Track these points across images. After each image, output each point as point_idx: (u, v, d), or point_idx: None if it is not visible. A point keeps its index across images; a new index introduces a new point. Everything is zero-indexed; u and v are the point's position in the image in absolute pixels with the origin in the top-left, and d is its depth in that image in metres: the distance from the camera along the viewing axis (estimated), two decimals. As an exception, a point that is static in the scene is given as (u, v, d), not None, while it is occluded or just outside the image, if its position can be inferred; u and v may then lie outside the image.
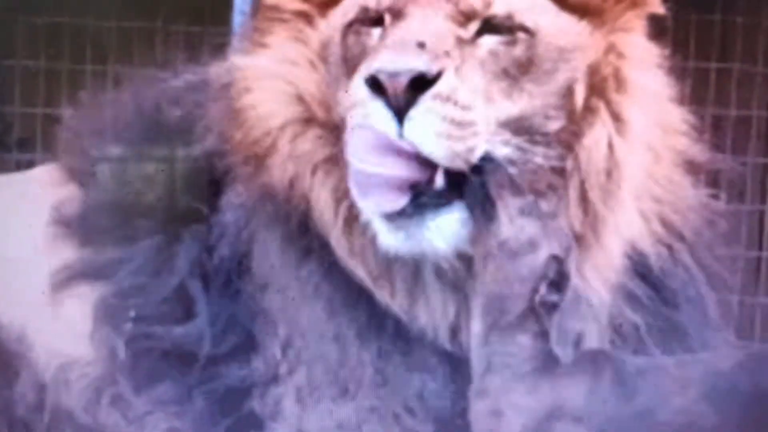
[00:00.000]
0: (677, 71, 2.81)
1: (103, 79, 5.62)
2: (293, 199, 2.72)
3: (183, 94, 3.00)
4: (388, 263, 2.67)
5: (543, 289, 2.36)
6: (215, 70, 2.98)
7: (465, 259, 2.62)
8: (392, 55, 2.48)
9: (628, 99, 2.69)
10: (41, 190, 3.06)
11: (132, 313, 2.83)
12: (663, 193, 2.77)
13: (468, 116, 2.51)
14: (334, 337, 2.72)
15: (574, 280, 2.53)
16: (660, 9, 2.76)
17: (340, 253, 2.69)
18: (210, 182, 2.84)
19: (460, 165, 2.51)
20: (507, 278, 2.39)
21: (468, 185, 2.52)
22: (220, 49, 3.07)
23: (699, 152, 2.84)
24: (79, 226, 2.97)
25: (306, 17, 2.79)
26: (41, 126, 5.67)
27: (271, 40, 2.82)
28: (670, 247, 2.77)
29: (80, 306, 2.88)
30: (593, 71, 2.68)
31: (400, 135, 2.48)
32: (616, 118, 2.68)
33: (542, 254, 2.38)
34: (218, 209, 2.81)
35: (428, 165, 2.52)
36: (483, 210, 2.47)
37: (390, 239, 2.57)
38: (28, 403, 2.87)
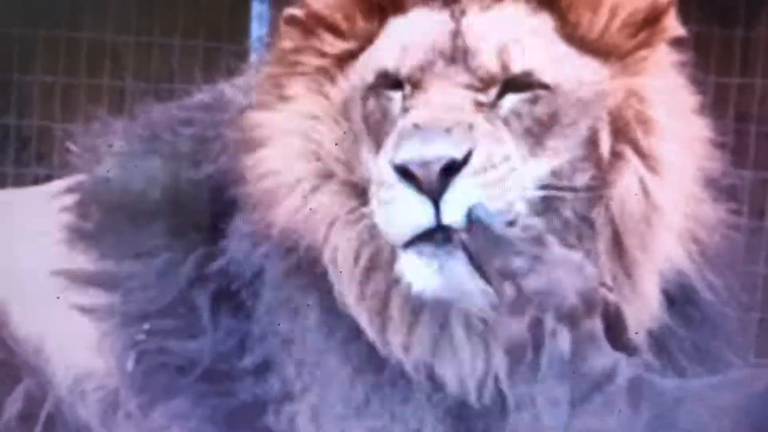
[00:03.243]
0: (698, 86, 2.79)
1: (121, 93, 5.67)
2: (294, 243, 2.68)
3: (197, 114, 2.99)
4: (413, 316, 2.63)
5: (563, 330, 2.31)
6: (231, 91, 2.97)
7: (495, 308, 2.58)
8: (420, 144, 2.43)
9: (655, 138, 2.63)
10: (58, 204, 3.06)
11: (146, 326, 2.84)
12: (689, 209, 2.72)
13: (503, 170, 2.47)
14: (338, 366, 2.70)
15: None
16: (680, 31, 2.71)
17: (347, 300, 2.65)
18: (224, 202, 2.82)
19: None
20: (524, 324, 2.34)
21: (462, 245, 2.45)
22: (236, 69, 3.06)
23: (720, 168, 2.81)
24: (94, 240, 2.97)
25: (325, 72, 2.74)
26: (59, 140, 5.68)
27: (293, 92, 2.77)
28: (695, 267, 2.72)
29: (95, 319, 2.88)
30: (615, 117, 2.62)
31: (437, 220, 2.44)
32: (646, 158, 2.62)
33: (569, 293, 2.33)
34: (230, 230, 2.79)
35: None
36: (479, 267, 2.43)
37: (421, 275, 2.51)
38: (45, 414, 2.87)
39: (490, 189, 2.45)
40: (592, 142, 2.61)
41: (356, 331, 2.68)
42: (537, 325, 2.28)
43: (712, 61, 5.15)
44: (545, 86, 2.58)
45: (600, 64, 2.65)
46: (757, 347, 4.76)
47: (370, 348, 2.67)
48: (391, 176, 2.47)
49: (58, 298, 2.89)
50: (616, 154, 2.62)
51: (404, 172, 2.44)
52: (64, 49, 5.88)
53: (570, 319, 2.30)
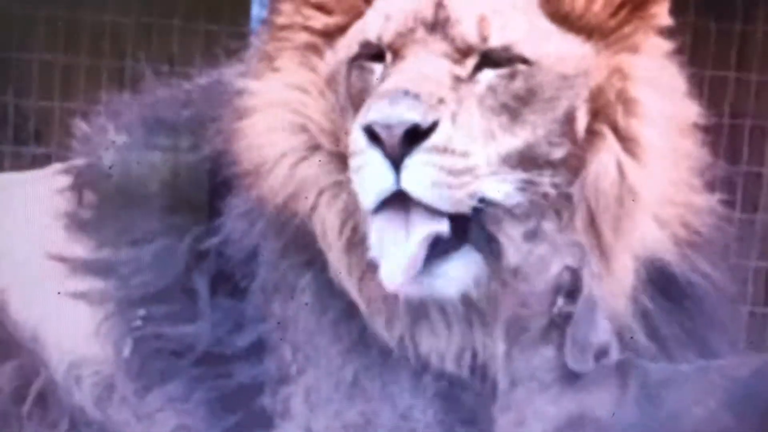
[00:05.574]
0: (694, 80, 2.79)
1: (121, 74, 5.66)
2: (287, 218, 2.72)
3: (196, 96, 3.01)
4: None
5: (560, 300, 2.36)
6: (230, 73, 2.98)
7: (468, 302, 2.62)
8: (386, 106, 2.47)
9: (637, 119, 2.64)
10: (55, 189, 3.08)
11: (141, 312, 2.85)
12: (679, 201, 2.74)
13: (467, 163, 2.50)
14: (330, 347, 2.73)
15: (591, 288, 2.50)
16: (667, 20, 2.72)
17: (339, 272, 2.69)
18: (219, 184, 2.84)
19: (464, 210, 2.51)
20: (524, 300, 2.38)
21: (471, 228, 2.53)
22: (235, 52, 3.07)
23: (713, 161, 2.82)
24: (91, 227, 2.99)
25: (314, 48, 2.78)
26: (58, 120, 5.68)
27: (282, 64, 2.81)
28: (683, 256, 2.75)
29: (92, 305, 2.91)
30: (596, 95, 2.63)
31: (397, 184, 2.48)
32: (626, 140, 2.63)
33: (555, 268, 2.38)
34: (226, 211, 2.81)
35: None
36: (490, 247, 2.48)
37: (391, 270, 2.54)
38: (41, 399, 2.90)
39: (449, 177, 2.48)
40: (570, 118, 2.61)
41: (348, 311, 2.70)
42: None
43: (709, 55, 5.15)
44: (525, 61, 2.59)
45: (583, 41, 2.66)
46: (748, 339, 4.79)
47: (361, 328, 2.70)
48: (361, 140, 2.51)
49: (59, 293, 2.91)
50: (593, 133, 2.63)
51: (371, 134, 2.48)
52: (64, 29, 5.87)
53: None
